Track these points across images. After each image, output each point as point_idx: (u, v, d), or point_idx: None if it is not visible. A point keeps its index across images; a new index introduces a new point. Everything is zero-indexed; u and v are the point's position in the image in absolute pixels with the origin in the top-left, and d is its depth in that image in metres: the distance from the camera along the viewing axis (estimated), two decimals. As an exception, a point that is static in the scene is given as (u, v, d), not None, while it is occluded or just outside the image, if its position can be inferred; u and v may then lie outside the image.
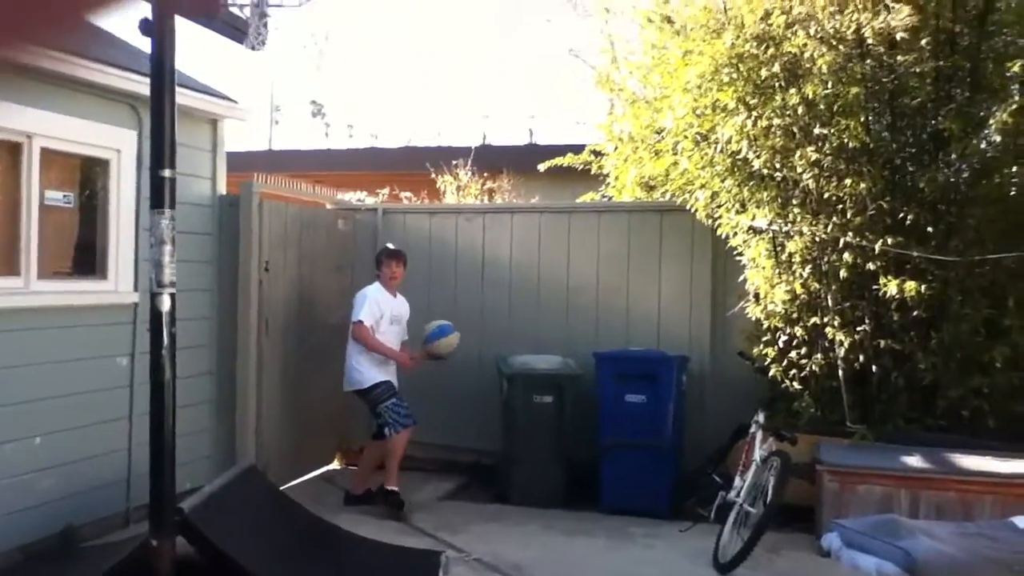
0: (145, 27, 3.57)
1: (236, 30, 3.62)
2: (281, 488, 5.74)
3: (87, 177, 5.63)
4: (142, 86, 4.65)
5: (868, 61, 5.53)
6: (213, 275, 6.36)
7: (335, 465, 7.45)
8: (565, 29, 10.65)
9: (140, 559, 3.74)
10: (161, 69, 3.63)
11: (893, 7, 5.10)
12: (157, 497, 3.52)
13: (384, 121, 46.29)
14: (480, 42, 42.31)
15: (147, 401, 3.94)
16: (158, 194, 3.65)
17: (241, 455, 6.11)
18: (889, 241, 5.48)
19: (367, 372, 6.04)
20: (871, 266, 5.62)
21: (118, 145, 5.58)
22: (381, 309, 6.12)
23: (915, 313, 5.52)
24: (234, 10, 3.65)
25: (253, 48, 3.57)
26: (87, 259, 5.57)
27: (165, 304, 3.61)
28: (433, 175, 10.49)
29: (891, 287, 5.43)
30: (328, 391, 7.21)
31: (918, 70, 5.56)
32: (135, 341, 5.54)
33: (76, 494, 5.19)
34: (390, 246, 6.51)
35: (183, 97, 5.73)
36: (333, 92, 45.81)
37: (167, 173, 3.63)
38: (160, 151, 3.63)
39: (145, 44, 3.85)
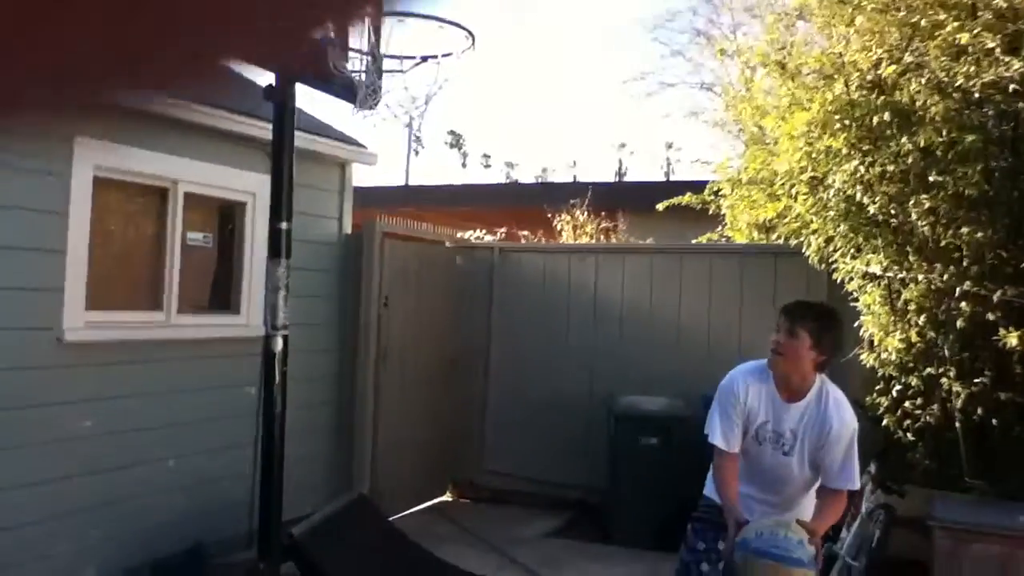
0: (268, 93, 3.92)
1: (351, 93, 3.91)
2: (393, 518, 5.99)
3: (225, 219, 6.09)
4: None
5: (985, 108, 5.38)
6: (336, 309, 6.73)
7: (447, 497, 7.66)
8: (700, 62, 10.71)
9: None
10: (281, 131, 3.96)
11: (1003, 60, 4.95)
12: (265, 522, 3.81)
13: (520, 149, 47.16)
14: (612, 70, 42.56)
15: (271, 429, 4.25)
16: (275, 244, 3.98)
17: (357, 482, 6.41)
18: (1010, 292, 5.29)
19: (708, 482, 3.84)
20: (991, 316, 5.43)
21: (254, 189, 6.00)
22: (745, 412, 3.53)
23: (1039, 366, 5.30)
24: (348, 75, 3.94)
25: (365, 109, 3.85)
26: (222, 295, 6.02)
27: (278, 345, 3.93)
28: (550, 215, 10.70)
29: (1011, 339, 5.22)
30: (442, 422, 7.47)
31: (1040, 114, 5.36)
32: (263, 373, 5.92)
33: (204, 514, 5.59)
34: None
35: (316, 144, 6.18)
36: (472, 120, 47.03)
37: (283, 225, 3.95)
38: (278, 205, 3.96)
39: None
